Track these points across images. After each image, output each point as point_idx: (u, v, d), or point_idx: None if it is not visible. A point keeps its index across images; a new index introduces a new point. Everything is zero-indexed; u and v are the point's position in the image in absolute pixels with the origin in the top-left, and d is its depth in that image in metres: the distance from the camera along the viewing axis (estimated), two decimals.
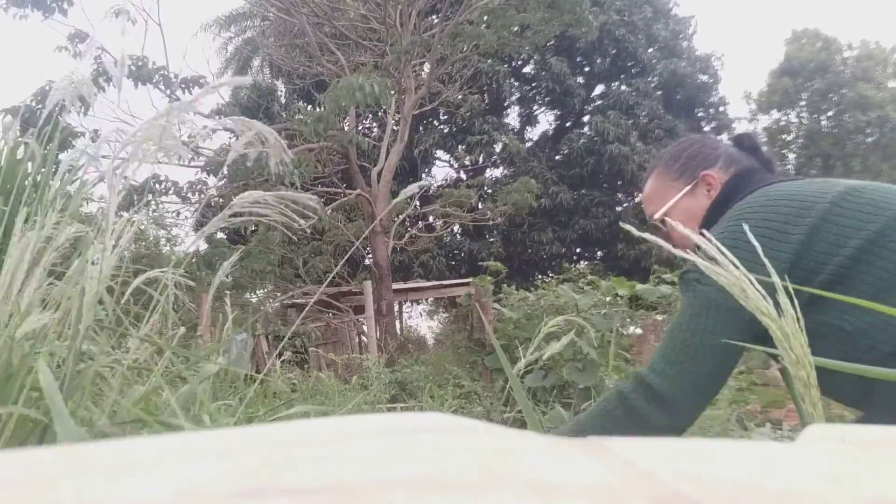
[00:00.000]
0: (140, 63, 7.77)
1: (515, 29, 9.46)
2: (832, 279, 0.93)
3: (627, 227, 0.61)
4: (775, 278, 0.47)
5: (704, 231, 0.53)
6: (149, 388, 0.82)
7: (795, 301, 0.47)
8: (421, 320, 17.28)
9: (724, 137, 17.32)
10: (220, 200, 8.24)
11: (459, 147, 15.28)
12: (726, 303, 0.94)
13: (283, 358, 5.10)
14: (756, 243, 0.52)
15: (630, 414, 1.00)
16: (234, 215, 0.79)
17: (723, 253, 0.49)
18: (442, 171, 16.69)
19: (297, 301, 9.60)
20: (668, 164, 1.27)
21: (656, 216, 1.25)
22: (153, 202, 8.50)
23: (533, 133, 16.99)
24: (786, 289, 0.47)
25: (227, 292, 7.95)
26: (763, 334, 0.94)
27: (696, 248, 0.52)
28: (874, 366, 0.87)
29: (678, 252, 0.51)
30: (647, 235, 0.55)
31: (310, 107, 11.49)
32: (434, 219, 13.33)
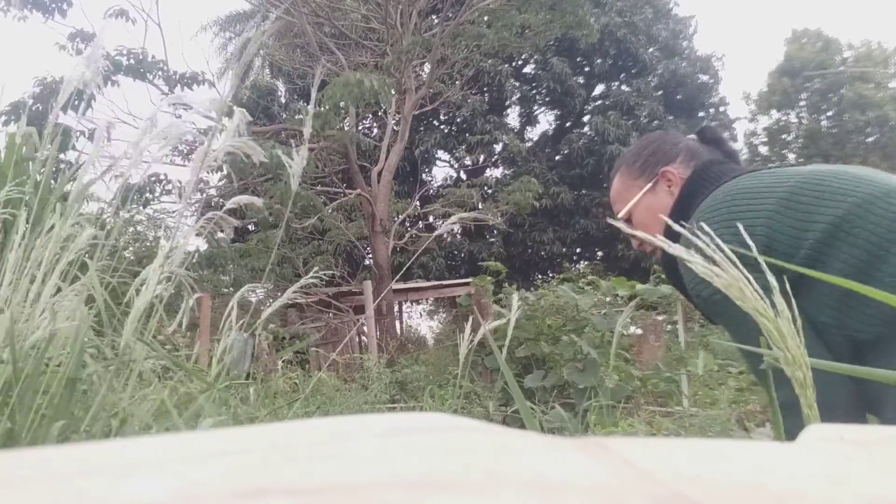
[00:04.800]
0: (140, 57, 7.77)
1: (516, 29, 9.45)
2: (805, 264, 0.92)
3: (616, 222, 0.61)
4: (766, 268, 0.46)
5: (683, 224, 0.51)
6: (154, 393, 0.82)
7: (792, 299, 0.47)
8: (421, 320, 17.29)
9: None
10: (221, 200, 8.25)
11: (460, 147, 15.28)
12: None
13: (283, 358, 5.10)
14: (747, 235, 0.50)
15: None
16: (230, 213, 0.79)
17: (720, 250, 0.48)
18: (442, 171, 16.70)
19: (298, 301, 9.59)
20: (629, 162, 1.27)
21: (620, 215, 1.26)
22: (153, 201, 8.51)
23: (533, 133, 17.01)
24: (771, 268, 0.46)
25: (227, 290, 7.97)
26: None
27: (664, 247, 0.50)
28: (855, 361, 0.86)
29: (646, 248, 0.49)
30: (636, 232, 0.54)
31: (310, 106, 11.47)
32: (434, 219, 13.33)
